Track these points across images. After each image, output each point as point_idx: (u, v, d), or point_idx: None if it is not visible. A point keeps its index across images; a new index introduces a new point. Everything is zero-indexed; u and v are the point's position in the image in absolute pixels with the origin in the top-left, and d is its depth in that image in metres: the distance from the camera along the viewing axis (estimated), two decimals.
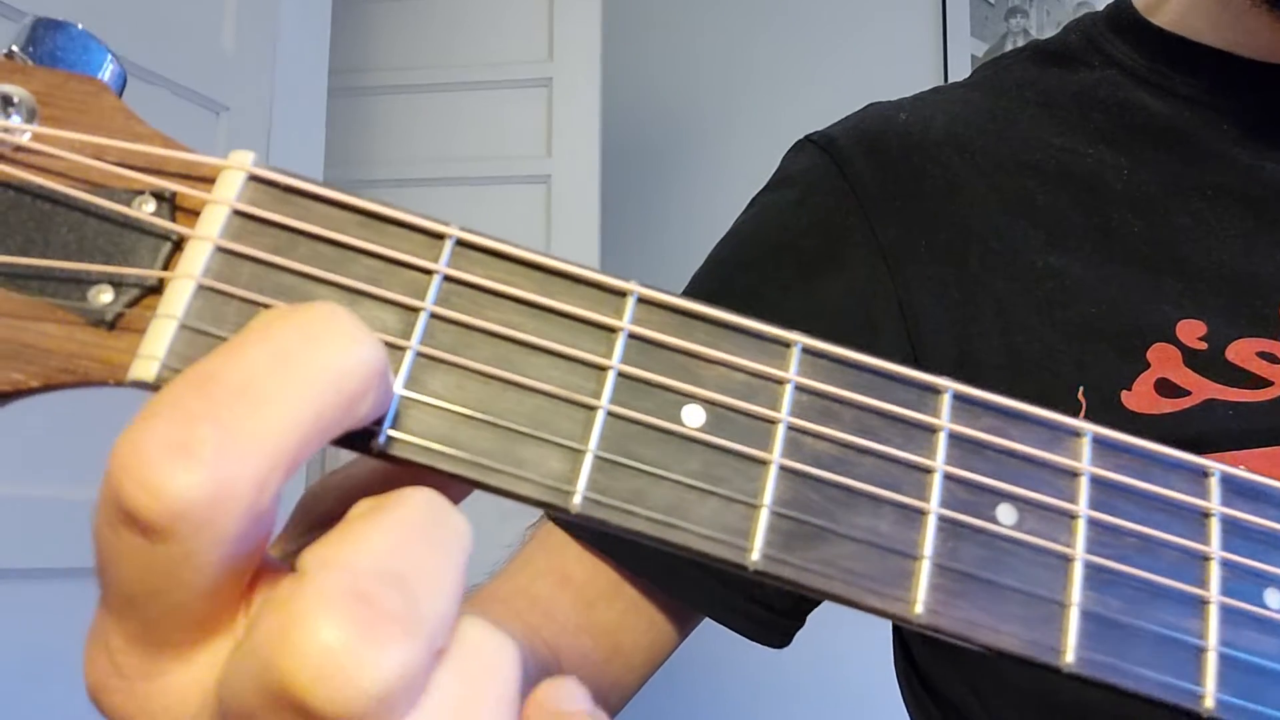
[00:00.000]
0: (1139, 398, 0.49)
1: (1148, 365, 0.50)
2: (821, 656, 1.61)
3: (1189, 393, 0.49)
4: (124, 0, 1.25)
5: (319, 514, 0.26)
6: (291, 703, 0.18)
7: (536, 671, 0.51)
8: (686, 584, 0.55)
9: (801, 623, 0.57)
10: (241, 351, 0.20)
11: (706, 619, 0.57)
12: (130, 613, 0.20)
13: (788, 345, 0.26)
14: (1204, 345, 0.49)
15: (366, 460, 0.24)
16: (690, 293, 0.60)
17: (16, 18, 1.09)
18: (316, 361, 0.20)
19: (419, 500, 0.21)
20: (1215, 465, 0.28)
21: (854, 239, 0.57)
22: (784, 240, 0.59)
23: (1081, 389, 0.50)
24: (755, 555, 0.24)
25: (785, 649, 0.57)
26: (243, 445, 0.19)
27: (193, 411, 0.19)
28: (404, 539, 0.20)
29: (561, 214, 1.85)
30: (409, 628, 0.19)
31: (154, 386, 0.22)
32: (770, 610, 0.55)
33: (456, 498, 0.27)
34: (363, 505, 0.21)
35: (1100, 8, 0.64)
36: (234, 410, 0.19)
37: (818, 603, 0.53)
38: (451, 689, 0.20)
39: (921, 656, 0.56)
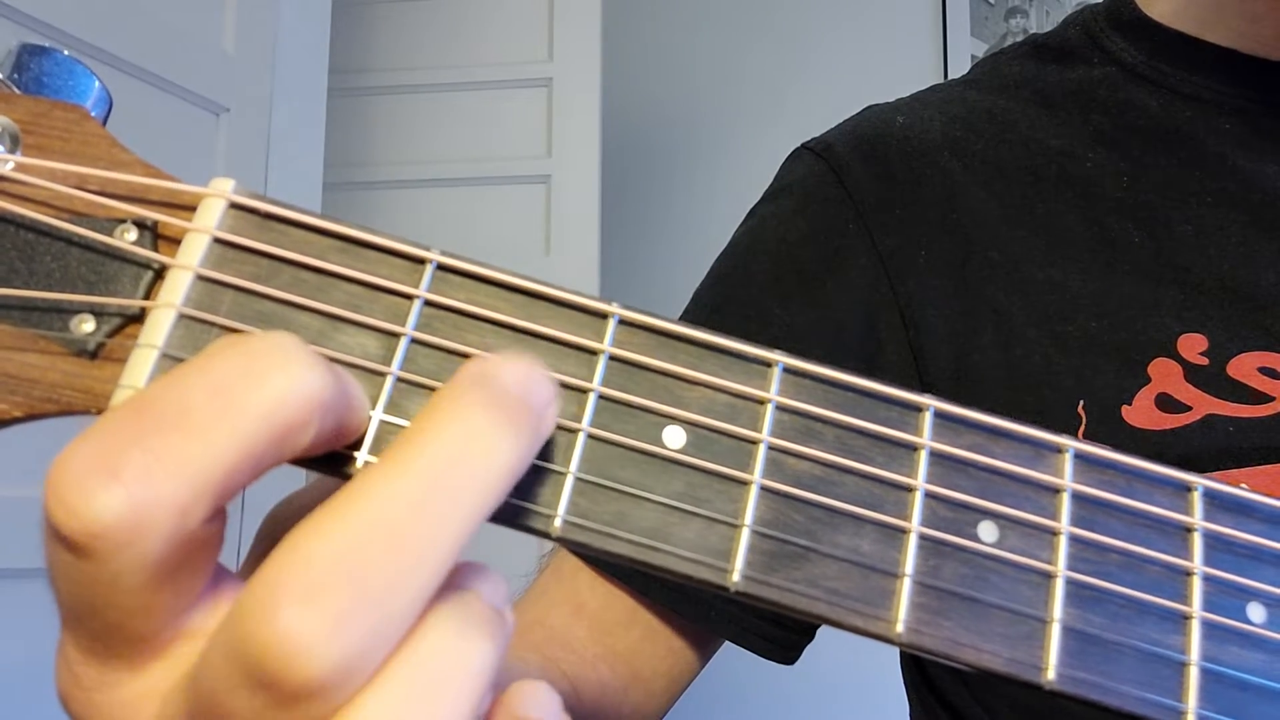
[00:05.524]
0: (1139, 413, 0.49)
1: (1148, 380, 0.49)
2: (826, 668, 1.60)
3: (1189, 408, 0.48)
4: (124, 2, 1.25)
5: (279, 538, 0.26)
6: (257, 674, 0.19)
7: None
8: (699, 606, 0.54)
9: (811, 638, 0.56)
10: (182, 379, 0.20)
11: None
12: (77, 625, 0.21)
13: (769, 365, 0.26)
14: (1205, 360, 0.49)
15: (327, 481, 0.24)
16: (692, 308, 0.60)
17: (16, 18, 1.09)
18: (253, 393, 0.20)
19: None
20: (1198, 480, 0.28)
21: (853, 248, 0.56)
22: (783, 252, 0.58)
23: (1082, 403, 0.50)
24: (736, 576, 0.24)
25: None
26: (165, 471, 0.19)
27: (123, 435, 0.19)
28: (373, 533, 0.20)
29: (561, 214, 1.85)
30: (363, 615, 0.19)
31: None
32: (782, 627, 0.54)
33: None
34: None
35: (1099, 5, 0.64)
36: (164, 437, 0.19)
37: None
38: (404, 679, 0.20)
39: (934, 671, 0.56)
